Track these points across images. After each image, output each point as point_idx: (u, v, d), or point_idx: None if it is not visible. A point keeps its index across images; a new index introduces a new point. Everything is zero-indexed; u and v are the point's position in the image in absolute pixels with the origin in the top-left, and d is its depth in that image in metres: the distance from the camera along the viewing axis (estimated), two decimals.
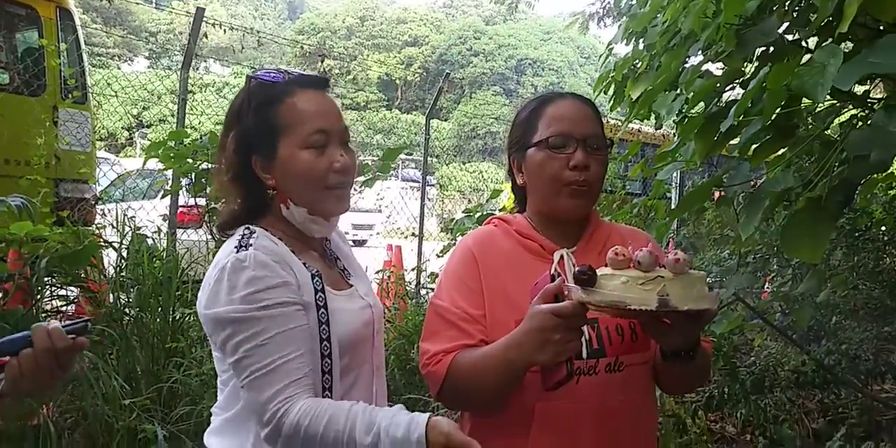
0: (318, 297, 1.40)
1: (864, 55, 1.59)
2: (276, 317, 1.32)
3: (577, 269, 1.25)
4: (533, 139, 1.55)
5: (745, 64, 2.30)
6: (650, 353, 1.51)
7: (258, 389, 1.30)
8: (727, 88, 2.38)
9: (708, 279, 1.29)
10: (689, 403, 4.30)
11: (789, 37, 2.41)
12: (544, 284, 1.33)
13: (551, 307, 1.26)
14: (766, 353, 4.54)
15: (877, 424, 4.25)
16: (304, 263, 1.44)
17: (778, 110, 2.01)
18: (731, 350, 4.37)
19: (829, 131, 2.32)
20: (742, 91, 2.20)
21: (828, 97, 2.02)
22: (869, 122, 1.63)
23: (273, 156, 1.44)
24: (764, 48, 2.20)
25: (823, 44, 2.53)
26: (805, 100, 1.71)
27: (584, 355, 1.44)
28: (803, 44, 2.35)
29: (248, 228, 1.45)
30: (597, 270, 1.24)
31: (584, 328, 1.38)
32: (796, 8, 2.19)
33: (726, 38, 2.29)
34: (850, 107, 2.61)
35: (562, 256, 1.51)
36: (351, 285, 1.56)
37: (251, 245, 1.38)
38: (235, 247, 1.39)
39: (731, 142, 2.26)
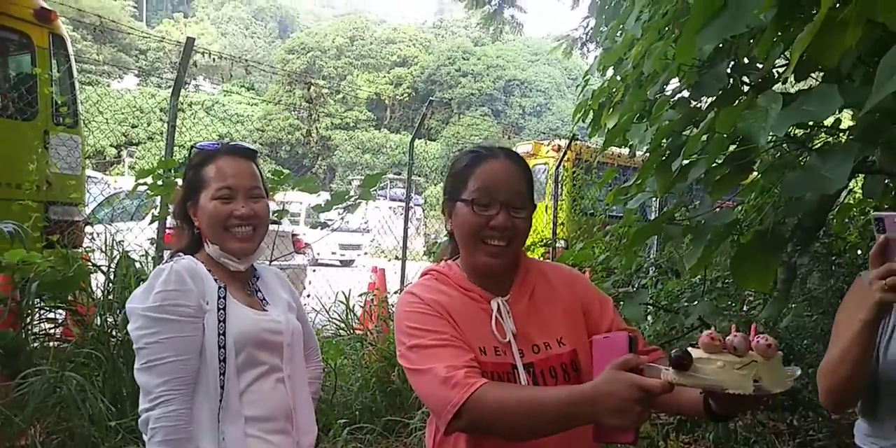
0: (219, 301, 1.79)
1: (800, 102, 1.72)
2: (174, 322, 1.70)
3: (674, 353, 1.27)
4: (462, 194, 1.65)
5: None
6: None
7: (154, 374, 1.67)
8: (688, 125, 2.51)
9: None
10: (662, 426, 4.39)
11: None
12: (618, 343, 1.40)
13: (643, 382, 1.28)
14: None
15: (845, 447, 4.35)
16: (216, 279, 1.82)
17: (732, 147, 2.16)
18: None
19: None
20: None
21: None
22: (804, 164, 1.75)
23: (197, 204, 1.88)
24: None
25: (788, 80, 2.67)
26: None
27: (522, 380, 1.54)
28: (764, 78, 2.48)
29: (181, 255, 1.88)
30: (692, 353, 1.27)
31: (522, 375, 1.53)
32: (746, 56, 2.32)
33: (688, 77, 2.43)
34: (823, 135, 2.75)
35: (498, 305, 1.62)
36: (265, 310, 1.91)
37: (174, 261, 1.81)
38: (165, 262, 1.84)
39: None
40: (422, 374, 1.50)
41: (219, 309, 1.78)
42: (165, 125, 5.05)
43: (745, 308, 4.93)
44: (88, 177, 7.81)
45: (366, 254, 19.12)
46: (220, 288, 1.81)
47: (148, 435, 1.66)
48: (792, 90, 2.25)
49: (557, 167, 8.85)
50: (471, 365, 1.47)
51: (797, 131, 2.59)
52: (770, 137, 1.88)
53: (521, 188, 1.65)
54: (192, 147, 2.02)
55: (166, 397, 1.67)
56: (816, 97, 1.68)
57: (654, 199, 7.83)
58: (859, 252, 6.22)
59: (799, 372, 1.33)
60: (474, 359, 1.50)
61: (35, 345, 3.55)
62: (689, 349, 1.28)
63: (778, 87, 2.41)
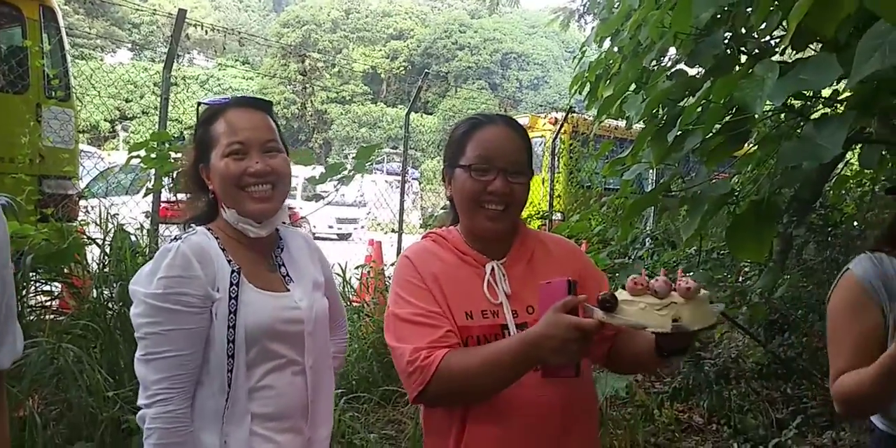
0: (231, 289, 1.61)
1: (797, 71, 1.70)
2: (176, 313, 1.55)
3: (600, 296, 1.39)
4: (460, 161, 1.68)
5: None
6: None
7: (151, 369, 1.54)
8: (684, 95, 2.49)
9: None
10: (657, 394, 4.43)
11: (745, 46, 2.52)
12: (558, 287, 1.47)
13: (578, 322, 1.38)
14: (732, 346, 4.68)
15: (838, 414, 4.39)
16: (229, 260, 1.64)
17: (728, 118, 2.14)
18: (696, 342, 4.50)
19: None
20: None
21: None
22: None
23: (209, 164, 1.70)
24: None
25: (786, 51, 2.65)
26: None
27: None
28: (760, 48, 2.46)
29: (192, 227, 1.71)
30: (617, 296, 1.39)
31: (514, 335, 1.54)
32: (743, 26, 2.30)
33: (683, 46, 2.41)
34: (821, 106, 2.73)
35: (493, 268, 1.65)
36: (288, 290, 1.72)
37: (182, 239, 1.62)
38: (172, 239, 1.66)
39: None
40: (394, 350, 1.61)
41: (230, 297, 1.60)
42: (159, 99, 5.03)
43: (739, 279, 4.95)
44: (82, 151, 7.78)
45: (362, 227, 19.13)
46: (232, 272, 1.63)
47: (144, 434, 1.55)
48: (790, 61, 2.22)
49: (554, 140, 8.82)
50: (438, 344, 1.54)
51: (795, 102, 2.57)
52: (767, 107, 1.87)
53: (519, 155, 1.67)
54: (198, 104, 1.85)
55: (163, 395, 1.53)
56: (814, 66, 1.66)
57: (650, 170, 7.84)
58: (855, 223, 6.24)
59: (721, 307, 1.45)
60: (449, 331, 1.57)
61: (31, 317, 3.56)
62: (618, 292, 1.40)
63: (776, 58, 2.40)
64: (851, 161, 5.94)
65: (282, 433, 1.65)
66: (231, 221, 1.69)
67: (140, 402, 1.55)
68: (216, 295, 1.59)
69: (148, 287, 1.55)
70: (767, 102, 1.67)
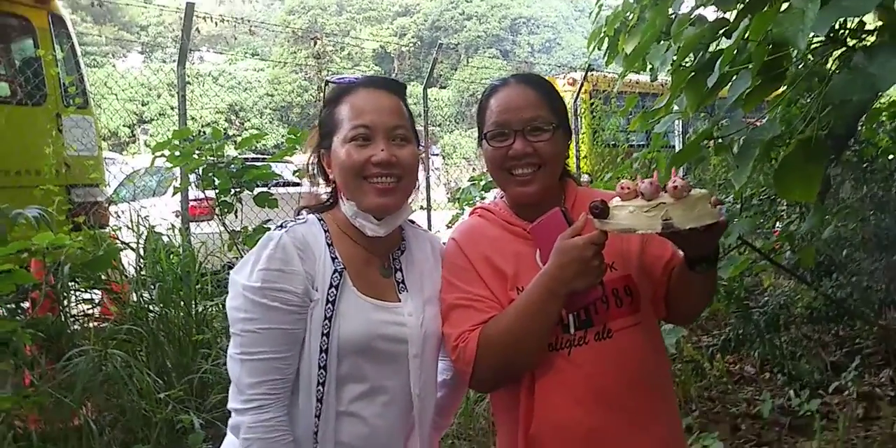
0: (330, 292, 1.44)
1: None
2: (275, 310, 1.40)
3: (592, 204, 1.37)
4: (483, 132, 1.63)
5: (736, 5, 2.28)
6: (639, 316, 1.57)
7: (247, 371, 1.40)
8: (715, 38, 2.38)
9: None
10: (706, 348, 4.36)
11: None
12: (551, 220, 1.46)
13: (590, 238, 1.38)
14: (779, 293, 4.58)
15: (894, 352, 4.30)
16: (334, 258, 1.48)
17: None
18: (743, 292, 4.41)
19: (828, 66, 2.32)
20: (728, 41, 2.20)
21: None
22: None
23: (330, 150, 1.55)
24: None
25: None
26: None
27: (572, 329, 1.51)
28: None
29: (304, 214, 1.57)
30: (608, 203, 1.37)
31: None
32: None
33: None
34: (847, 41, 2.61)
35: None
36: (399, 300, 1.54)
37: (287, 228, 1.47)
38: (278, 226, 1.50)
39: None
40: (443, 337, 1.56)
41: (328, 300, 1.43)
42: (174, 100, 5.01)
43: (778, 225, 4.83)
44: (105, 158, 7.81)
45: None
46: (335, 271, 1.45)
47: (241, 445, 1.40)
48: None
49: (575, 101, 8.67)
50: (482, 326, 1.51)
51: (817, 40, 2.44)
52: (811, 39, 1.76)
53: (536, 111, 1.59)
54: (325, 82, 1.66)
55: (260, 401, 1.39)
56: None
57: (677, 123, 7.67)
58: (891, 157, 6.06)
59: (723, 210, 1.37)
60: (492, 316, 1.51)
61: (75, 326, 3.57)
62: (613, 200, 1.38)
63: None
64: (882, 93, 5.75)
65: None
66: (348, 215, 1.53)
67: (232, 405, 1.43)
68: (315, 294, 1.44)
69: (247, 278, 1.41)
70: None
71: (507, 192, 1.65)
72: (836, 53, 2.35)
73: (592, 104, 9.51)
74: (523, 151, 1.56)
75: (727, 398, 4.06)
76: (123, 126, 28.48)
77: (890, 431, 3.32)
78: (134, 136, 29.40)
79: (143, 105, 30.12)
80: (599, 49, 3.96)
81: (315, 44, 37.70)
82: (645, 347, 1.57)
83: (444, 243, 1.73)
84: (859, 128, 5.56)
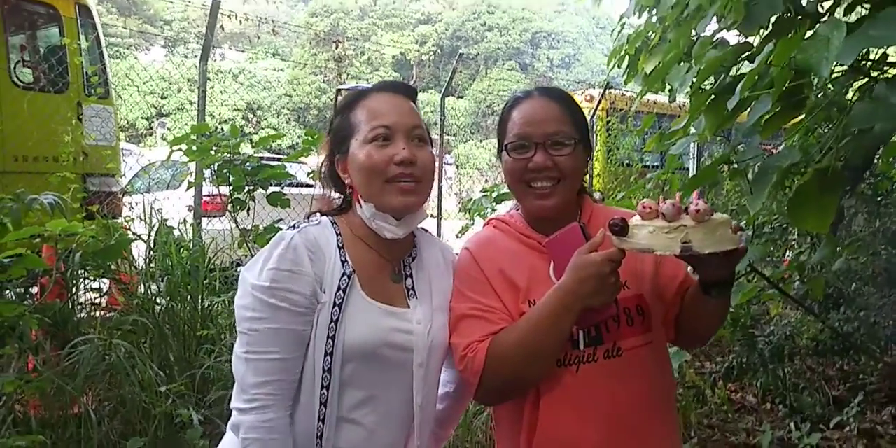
0: (337, 294, 1.44)
1: (865, 28, 1.60)
2: (284, 311, 1.40)
3: (611, 221, 1.37)
4: (504, 143, 1.62)
5: (759, 31, 2.29)
6: (649, 336, 1.57)
7: (252, 370, 1.40)
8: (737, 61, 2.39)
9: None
10: (709, 374, 4.35)
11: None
12: (569, 235, 1.46)
13: (608, 255, 1.38)
14: (785, 323, 4.56)
15: None
16: (344, 261, 1.48)
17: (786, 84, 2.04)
18: (749, 320, 4.40)
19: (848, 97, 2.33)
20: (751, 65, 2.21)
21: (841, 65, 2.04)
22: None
23: (347, 155, 1.54)
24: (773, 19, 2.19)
25: (835, 11, 2.53)
26: None
27: (581, 346, 1.51)
28: (819, 9, 2.34)
29: (318, 216, 1.57)
30: (628, 221, 1.37)
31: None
32: None
33: (735, 11, 2.30)
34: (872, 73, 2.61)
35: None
36: (408, 306, 1.53)
37: (300, 229, 1.48)
38: (290, 227, 1.51)
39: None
40: (451, 347, 1.56)
41: (335, 303, 1.43)
42: (194, 95, 5.05)
43: (788, 254, 4.82)
44: (122, 149, 7.88)
45: None
46: (343, 274, 1.45)
47: (240, 445, 1.40)
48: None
49: (592, 117, 8.68)
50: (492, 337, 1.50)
51: (839, 70, 2.45)
52: (833, 68, 1.77)
53: (558, 125, 1.59)
54: (337, 90, 1.73)
55: (263, 401, 1.38)
56: (884, 21, 1.55)
57: (692, 146, 7.67)
58: None
59: (743, 237, 1.39)
60: (503, 328, 1.50)
61: (82, 314, 3.59)
62: (633, 218, 1.38)
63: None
64: None
65: None
66: (366, 217, 1.52)
67: (235, 404, 1.42)
68: (323, 296, 1.43)
69: (257, 277, 1.41)
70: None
71: (525, 205, 1.64)
72: (857, 85, 2.35)
73: (609, 122, 9.53)
74: (543, 164, 1.56)
75: (727, 427, 4.04)
76: (142, 118, 28.64)
77: None
78: (151, 128, 29.56)
79: (162, 98, 30.28)
80: (619, 67, 3.96)
81: (336, 47, 37.92)
82: (653, 368, 1.57)
83: (455, 253, 1.73)
84: (875, 161, 5.56)
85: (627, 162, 8.94)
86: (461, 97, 40.23)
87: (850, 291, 5.08)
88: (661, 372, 1.62)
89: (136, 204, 4.75)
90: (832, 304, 4.96)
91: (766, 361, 4.19)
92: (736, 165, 2.34)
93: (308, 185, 4.68)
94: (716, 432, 3.96)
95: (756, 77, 1.95)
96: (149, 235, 4.20)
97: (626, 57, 3.82)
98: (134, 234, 4.12)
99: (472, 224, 5.01)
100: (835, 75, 2.36)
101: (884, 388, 4.34)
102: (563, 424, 1.49)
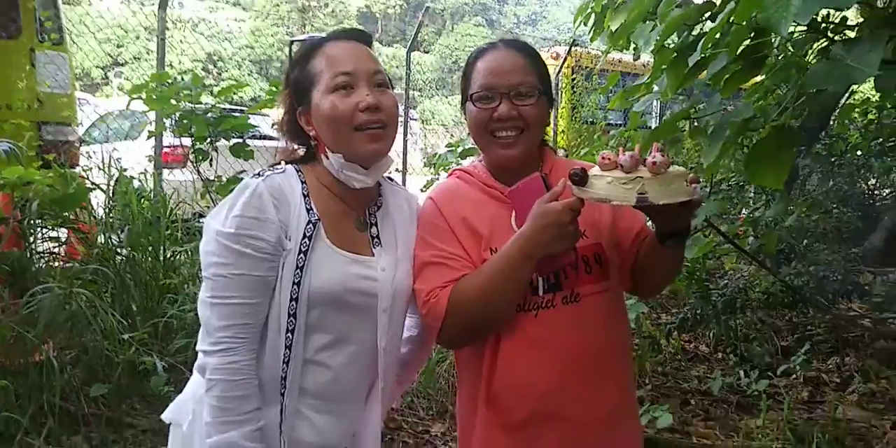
0: (303, 242, 1.45)
1: None
2: (248, 257, 1.41)
3: (572, 171, 1.40)
4: (468, 94, 1.63)
5: None
6: (607, 284, 1.62)
7: (216, 314, 1.42)
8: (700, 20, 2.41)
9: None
10: (665, 325, 4.48)
11: None
12: (530, 185, 1.49)
13: (568, 203, 1.41)
14: (739, 276, 4.71)
15: (843, 341, 4.47)
16: (309, 209, 1.48)
17: (747, 42, 2.07)
18: (705, 274, 4.53)
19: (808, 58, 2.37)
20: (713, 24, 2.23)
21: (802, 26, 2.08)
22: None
23: (309, 105, 1.52)
24: None
25: None
26: None
27: (541, 292, 1.55)
28: None
29: (283, 164, 1.55)
30: (588, 171, 1.40)
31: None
32: None
33: None
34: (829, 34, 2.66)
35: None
36: (372, 254, 1.55)
37: (265, 177, 1.47)
38: (255, 174, 1.49)
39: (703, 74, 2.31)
40: (414, 293, 1.58)
41: (300, 251, 1.44)
42: (151, 44, 4.92)
43: (744, 211, 4.95)
44: (78, 98, 7.67)
45: None
46: (309, 222, 1.46)
47: (205, 385, 1.42)
48: None
49: (557, 75, 8.68)
50: (454, 283, 1.53)
51: (799, 31, 2.50)
52: (794, 28, 1.80)
53: (523, 75, 1.61)
54: (291, 42, 1.67)
55: (228, 344, 1.40)
56: None
57: (655, 105, 7.74)
58: (859, 153, 6.21)
59: (698, 189, 1.43)
60: (465, 275, 1.54)
61: (40, 264, 3.56)
62: (593, 169, 1.41)
63: None
64: (857, 89, 5.85)
65: (321, 413, 1.51)
66: (335, 169, 1.52)
67: (201, 347, 1.44)
68: (288, 244, 1.44)
69: (222, 224, 1.42)
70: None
71: (489, 155, 1.66)
72: (816, 46, 2.40)
73: (574, 80, 9.53)
74: (508, 114, 1.58)
75: (680, 374, 4.19)
76: (97, 67, 27.80)
77: (832, 415, 3.46)
78: (107, 78, 28.72)
79: (118, 47, 29.34)
80: (585, 25, 3.96)
81: None
82: (609, 315, 1.62)
83: (420, 203, 1.75)
84: (832, 122, 5.69)
85: (591, 120, 8.98)
86: (427, 52, 39.75)
87: (802, 247, 5.25)
88: (617, 320, 1.67)
89: (94, 153, 4.66)
90: (784, 259, 5.13)
91: (719, 313, 4.34)
92: (696, 124, 2.40)
93: (271, 138, 4.63)
94: (669, 379, 4.11)
95: (717, 35, 1.99)
96: (108, 185, 4.14)
97: (593, 14, 3.82)
98: (92, 183, 4.06)
99: (438, 178, 5.03)
100: (795, 36, 2.41)
101: (830, 339, 4.53)
102: (522, 367, 1.54)
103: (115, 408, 3.12)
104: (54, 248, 3.77)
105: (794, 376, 4.08)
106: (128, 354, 3.11)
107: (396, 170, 7.26)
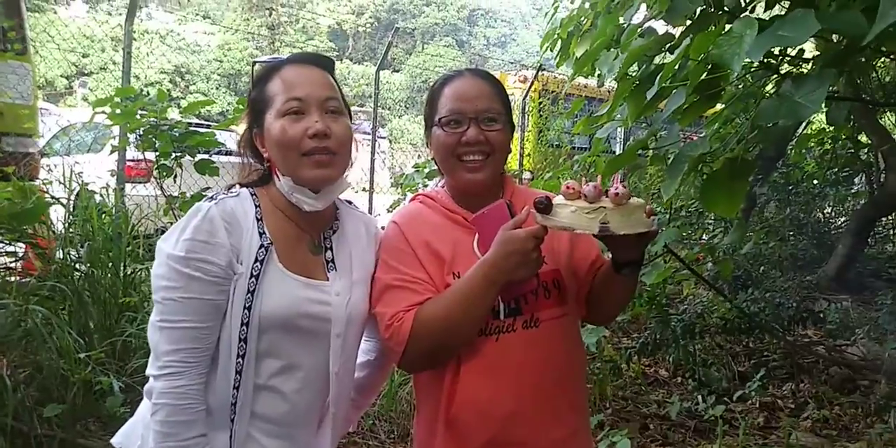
0: (254, 266, 1.45)
1: (775, 27, 1.69)
2: (198, 281, 1.41)
3: (536, 199, 1.45)
4: (434, 118, 1.67)
5: (686, 20, 2.38)
6: (565, 309, 1.66)
7: (165, 338, 1.41)
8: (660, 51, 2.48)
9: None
10: (625, 349, 4.53)
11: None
12: (495, 212, 1.53)
13: (531, 231, 1.46)
14: (697, 302, 4.78)
15: (798, 367, 4.55)
16: (262, 233, 1.48)
17: (704, 74, 2.14)
18: (664, 299, 4.59)
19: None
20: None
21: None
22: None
23: (262, 127, 1.54)
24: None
25: (754, 8, 2.64)
26: None
27: (502, 316, 1.58)
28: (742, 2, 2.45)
29: (236, 187, 1.56)
30: (553, 200, 1.45)
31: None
32: None
33: (660, 1, 2.38)
34: (786, 65, 2.75)
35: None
36: (327, 279, 1.55)
37: (217, 200, 1.48)
38: (208, 198, 1.50)
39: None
40: (376, 317, 1.60)
41: (252, 275, 1.44)
42: (118, 55, 4.89)
43: (704, 237, 5.06)
44: (40, 108, 7.56)
45: None
46: (261, 246, 1.46)
47: (151, 409, 1.42)
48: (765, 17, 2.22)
49: (524, 98, 8.78)
50: (417, 307, 1.55)
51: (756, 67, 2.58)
52: (744, 64, 1.86)
53: (490, 102, 1.66)
54: (253, 63, 1.71)
55: (174, 369, 1.40)
56: (792, 22, 1.65)
57: (619, 130, 7.87)
58: (815, 182, 6.39)
59: (656, 221, 1.49)
60: (428, 299, 1.56)
61: None
62: (557, 198, 1.47)
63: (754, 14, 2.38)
64: (813, 120, 6.03)
65: (273, 438, 1.50)
66: (285, 191, 1.52)
67: (149, 371, 1.44)
68: (239, 267, 1.44)
69: (172, 247, 1.42)
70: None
71: (455, 179, 1.69)
72: (773, 77, 2.48)
73: (541, 103, 9.66)
74: (476, 139, 1.62)
75: (640, 398, 4.23)
76: (61, 77, 27.41)
77: (786, 441, 3.52)
78: (72, 88, 28.32)
79: (83, 57, 28.98)
80: (552, 50, 4.04)
81: (270, 14, 37.02)
82: (567, 339, 1.67)
83: (382, 227, 1.77)
84: (789, 152, 5.84)
85: (557, 143, 9.10)
86: (397, 71, 39.89)
87: (759, 274, 5.37)
88: (574, 344, 1.71)
89: (55, 166, 4.60)
90: (741, 285, 5.23)
91: (678, 338, 4.40)
92: (655, 152, 2.45)
93: (239, 154, 4.61)
94: (629, 403, 4.15)
95: (675, 68, 2.05)
96: (68, 199, 4.08)
97: (559, 40, 3.90)
98: (52, 197, 4.00)
99: (404, 199, 5.05)
100: (753, 69, 2.49)
101: (785, 364, 4.62)
102: (481, 390, 1.57)
103: (70, 429, 3.05)
104: (10, 262, 3.70)
105: (750, 401, 4.15)
106: (84, 374, 3.06)
107: (364, 189, 7.27)
